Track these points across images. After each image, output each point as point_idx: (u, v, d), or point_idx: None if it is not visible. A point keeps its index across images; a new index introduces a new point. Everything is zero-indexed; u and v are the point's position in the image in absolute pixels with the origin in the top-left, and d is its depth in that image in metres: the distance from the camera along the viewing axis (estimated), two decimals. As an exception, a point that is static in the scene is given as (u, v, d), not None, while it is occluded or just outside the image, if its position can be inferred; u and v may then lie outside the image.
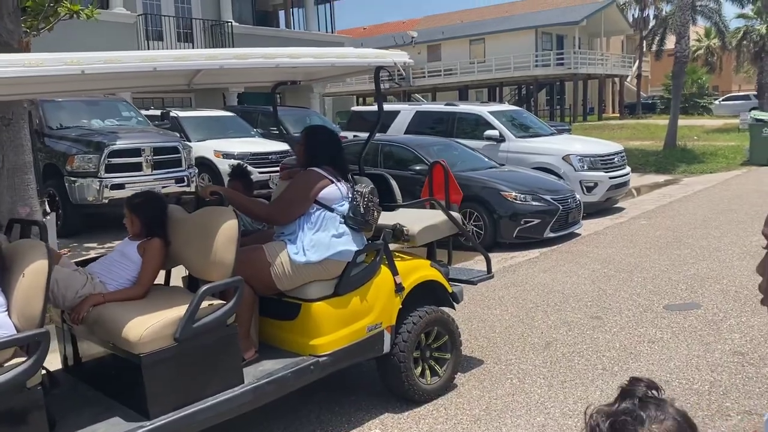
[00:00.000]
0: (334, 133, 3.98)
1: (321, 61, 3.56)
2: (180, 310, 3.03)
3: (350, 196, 3.69)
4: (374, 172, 4.38)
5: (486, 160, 9.83)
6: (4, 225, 3.29)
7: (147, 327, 2.90)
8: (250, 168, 11.43)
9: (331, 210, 3.63)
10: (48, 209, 8.16)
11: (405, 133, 12.07)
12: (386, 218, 4.11)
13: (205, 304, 3.08)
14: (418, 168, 8.87)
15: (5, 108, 5.83)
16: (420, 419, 3.78)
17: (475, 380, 4.29)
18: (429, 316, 3.97)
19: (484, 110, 11.86)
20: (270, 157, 12.19)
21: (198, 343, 3.04)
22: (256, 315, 3.64)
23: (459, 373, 4.29)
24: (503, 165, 9.92)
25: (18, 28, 5.90)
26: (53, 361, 3.50)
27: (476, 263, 7.24)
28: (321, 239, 3.56)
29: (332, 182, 3.66)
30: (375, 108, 14.42)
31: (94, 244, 8.83)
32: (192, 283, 3.65)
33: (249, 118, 14.72)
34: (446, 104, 13.00)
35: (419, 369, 3.97)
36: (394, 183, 4.34)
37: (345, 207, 3.66)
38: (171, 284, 3.84)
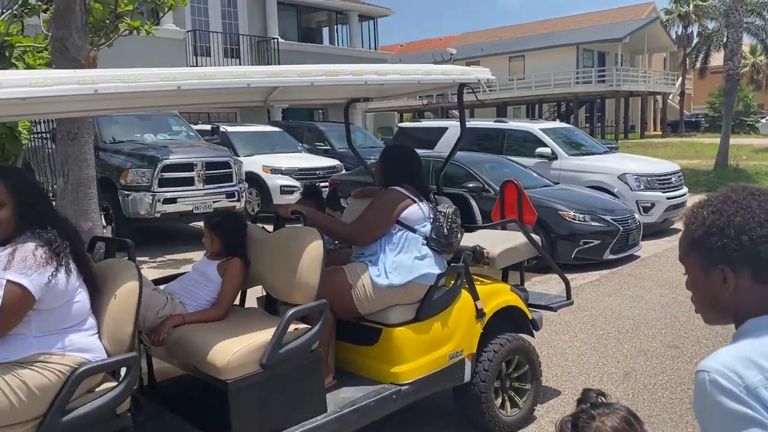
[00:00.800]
0: (413, 151, 3.86)
1: (407, 78, 3.44)
2: (264, 334, 2.91)
3: (432, 216, 3.56)
4: (454, 192, 4.23)
5: (539, 178, 9.63)
6: (87, 243, 3.23)
7: (234, 352, 2.79)
8: (298, 184, 11.55)
9: (414, 231, 3.49)
10: (103, 222, 8.23)
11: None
12: (465, 240, 3.96)
13: (290, 328, 2.96)
14: (471, 186, 8.71)
15: (71, 123, 5.89)
16: (502, 453, 3.59)
17: (555, 412, 4.08)
18: (510, 344, 3.79)
19: (535, 127, 11.67)
20: (317, 172, 12.18)
21: (284, 369, 2.92)
22: (333, 339, 3.52)
23: (538, 405, 4.09)
24: (557, 183, 9.69)
25: (85, 43, 5.97)
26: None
27: (533, 285, 7.04)
28: (403, 261, 3.43)
29: (414, 202, 3.53)
30: (421, 125, 14.42)
31: (146, 258, 8.86)
32: (269, 303, 3.54)
33: (294, 133, 14.77)
34: (495, 120, 12.85)
35: (499, 400, 3.79)
36: (474, 203, 4.19)
37: (427, 228, 3.52)
38: (246, 304, 3.74)
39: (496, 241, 4.06)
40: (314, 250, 3.10)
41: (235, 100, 3.72)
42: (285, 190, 11.62)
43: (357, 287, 3.38)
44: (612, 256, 8.12)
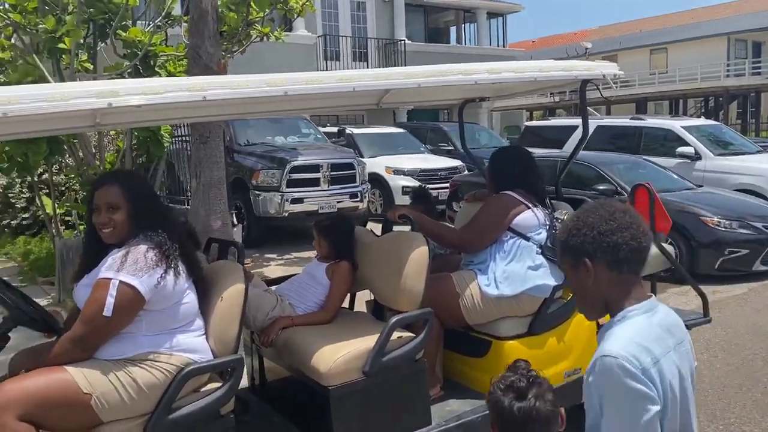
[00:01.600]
0: (526, 153, 3.65)
1: (522, 76, 3.25)
2: (368, 341, 2.86)
3: (548, 223, 3.34)
4: (574, 197, 3.96)
5: (680, 180, 8.89)
6: (203, 244, 3.36)
7: (336, 358, 2.76)
8: (420, 184, 11.52)
9: (527, 238, 3.29)
10: (235, 221, 8.66)
11: (584, 150, 11.36)
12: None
13: (394, 336, 2.88)
14: (601, 188, 8.24)
15: (203, 127, 6.21)
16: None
17: None
18: (635, 363, 3.47)
19: (676, 124, 10.82)
20: (439, 173, 12.10)
21: (386, 378, 2.85)
22: (440, 349, 3.40)
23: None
24: (700, 186, 8.90)
25: (217, 50, 6.27)
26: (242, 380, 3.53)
27: (668, 298, 6.50)
28: (515, 271, 3.24)
29: (528, 208, 3.33)
30: (550, 123, 13.88)
31: (274, 255, 9.21)
32: (377, 308, 3.49)
33: (418, 134, 14.79)
34: (631, 118, 12.07)
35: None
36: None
37: (542, 235, 3.30)
38: (355, 308, 3.72)
39: (622, 251, 3.74)
40: (420, 256, 3.01)
41: (346, 103, 3.71)
42: (406, 191, 11.61)
43: (465, 296, 3.24)
44: (763, 267, 7.31)
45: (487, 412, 3.04)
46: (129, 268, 2.31)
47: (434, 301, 3.16)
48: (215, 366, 2.53)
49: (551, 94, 32.18)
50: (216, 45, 6.21)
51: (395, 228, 3.48)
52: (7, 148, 7.44)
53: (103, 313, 2.26)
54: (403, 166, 12.11)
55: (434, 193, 11.82)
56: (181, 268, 2.47)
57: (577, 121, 12.73)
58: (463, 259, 3.51)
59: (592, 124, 12.17)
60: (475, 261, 3.39)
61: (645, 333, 1.56)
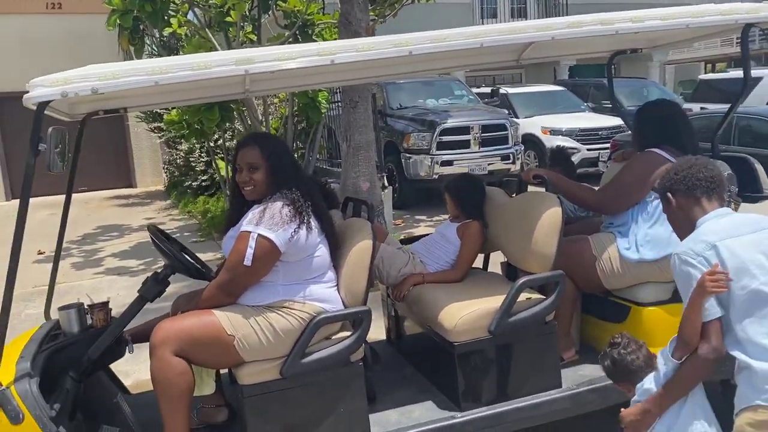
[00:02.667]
0: (677, 107, 3.36)
1: (670, 23, 2.97)
2: (496, 301, 2.86)
3: (700, 183, 3.07)
4: (733, 155, 3.59)
5: None
6: (341, 203, 3.52)
7: (462, 316, 2.80)
8: (578, 145, 11.02)
9: (674, 199, 3.06)
10: (386, 183, 8.90)
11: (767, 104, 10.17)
12: (746, 211, 3.35)
13: (522, 297, 2.85)
14: (785, 146, 7.35)
15: (352, 92, 6.42)
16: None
17: None
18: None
19: None
20: (600, 133, 11.46)
21: (513, 338, 2.84)
22: (578, 312, 3.30)
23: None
24: None
25: (366, 15, 6.40)
26: (378, 332, 3.69)
27: None
28: (659, 234, 3.03)
29: (675, 166, 3.09)
30: (728, 75, 12.53)
31: (424, 217, 9.36)
32: (510, 270, 3.46)
33: (580, 91, 14.07)
34: (829, 66, 10.52)
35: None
36: (760, 168, 3.50)
37: (691, 196, 3.05)
38: (489, 269, 3.72)
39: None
40: (552, 217, 2.92)
41: (480, 61, 3.63)
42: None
43: (602, 260, 3.10)
44: None
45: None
46: (266, 222, 2.51)
47: (570, 264, 3.08)
48: (345, 316, 2.68)
49: (737, 42, 28.87)
50: (365, 10, 6.34)
51: (530, 188, 3.41)
52: (186, 117, 8.26)
53: (244, 263, 2.48)
54: (560, 126, 11.64)
55: (594, 153, 11.30)
56: (314, 223, 2.63)
57: (761, 72, 11.41)
58: (604, 221, 3.35)
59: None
60: (615, 223, 3.22)
61: (706, 230, 2.07)
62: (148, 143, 15.08)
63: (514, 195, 3.48)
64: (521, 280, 2.83)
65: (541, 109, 12.45)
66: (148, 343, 2.52)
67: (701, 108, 10.26)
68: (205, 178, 11.58)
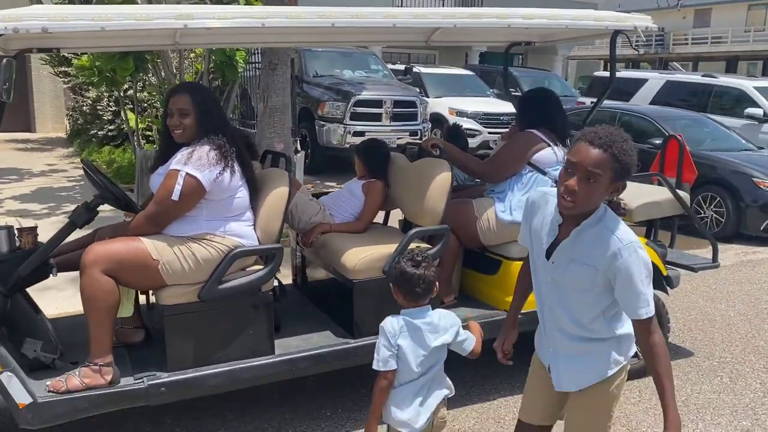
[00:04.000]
0: (554, 96, 3.93)
1: (554, 23, 3.52)
2: (391, 248, 3.32)
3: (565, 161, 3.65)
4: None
5: (742, 141, 8.81)
6: (260, 156, 3.86)
7: (361, 258, 3.25)
8: (480, 128, 11.72)
9: (544, 173, 3.63)
10: (299, 148, 9.19)
11: (651, 104, 11.26)
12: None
13: (413, 245, 3.33)
14: (657, 142, 8.26)
15: (272, 54, 6.68)
16: (610, 396, 3.70)
17: (679, 370, 4.04)
18: (635, 295, 3.82)
19: (748, 84, 10.57)
20: (501, 118, 12.21)
21: (403, 280, 3.32)
22: (459, 265, 3.83)
23: (662, 360, 4.08)
24: (762, 148, 8.80)
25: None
26: (285, 278, 4.08)
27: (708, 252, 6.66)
28: (531, 201, 3.60)
29: (549, 145, 3.65)
30: (620, 74, 13.62)
31: (334, 183, 9.74)
32: (406, 226, 3.94)
33: (488, 77, 14.81)
34: (703, 75, 11.78)
35: (617, 346, 3.86)
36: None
37: (558, 171, 3.63)
38: (389, 225, 4.18)
39: (638, 195, 4.03)
40: (442, 180, 3.41)
41: (394, 39, 4.04)
42: (468, 133, 11.83)
43: (482, 219, 3.64)
44: (810, 233, 7.33)
45: (493, 318, 3.51)
46: (194, 163, 2.83)
47: (455, 222, 3.59)
48: (259, 250, 3.06)
49: (635, 45, 30.98)
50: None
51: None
52: (98, 63, 8.15)
53: (172, 197, 2.80)
54: (466, 108, 12.29)
55: (495, 137, 12.05)
56: (237, 168, 2.97)
57: (647, 74, 12.57)
58: (487, 188, 3.89)
59: (662, 78, 12.00)
60: (496, 190, 3.76)
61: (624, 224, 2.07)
62: (51, 87, 14.49)
63: (413, 161, 3.95)
64: (413, 231, 3.32)
65: (450, 90, 13.08)
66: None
67: (591, 102, 11.19)
68: (112, 128, 11.39)
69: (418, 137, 10.48)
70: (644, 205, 3.95)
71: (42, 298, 3.36)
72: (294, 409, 3.47)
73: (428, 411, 2.46)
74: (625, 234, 1.99)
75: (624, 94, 11.89)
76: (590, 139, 1.95)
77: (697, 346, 4.42)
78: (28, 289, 3.15)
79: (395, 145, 9.98)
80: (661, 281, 4.02)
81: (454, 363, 3.95)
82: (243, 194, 3.03)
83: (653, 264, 3.84)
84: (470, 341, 2.59)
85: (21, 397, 2.62)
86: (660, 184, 4.36)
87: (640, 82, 11.76)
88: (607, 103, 10.70)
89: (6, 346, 2.70)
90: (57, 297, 4.57)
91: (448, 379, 2.59)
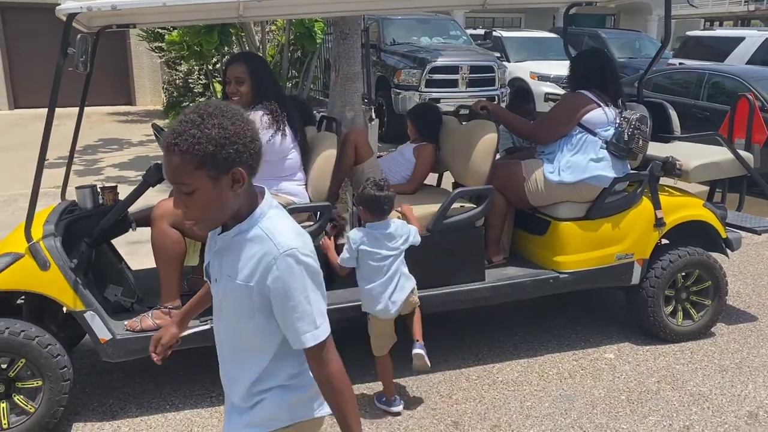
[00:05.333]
0: (605, 55, 3.89)
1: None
2: (435, 208, 3.47)
3: (617, 122, 3.65)
4: (653, 100, 4.14)
5: None
6: (317, 121, 4.08)
7: (407, 216, 3.42)
8: (563, 92, 11.43)
9: (594, 134, 3.64)
10: (374, 116, 9.38)
11: (747, 64, 10.60)
12: (661, 150, 3.94)
13: (457, 205, 3.47)
14: (747, 104, 7.85)
15: (344, 24, 6.86)
16: (659, 355, 3.72)
17: (738, 334, 3.98)
18: (690, 258, 3.78)
19: None
20: (586, 81, 11.87)
21: (447, 237, 3.47)
22: (509, 225, 3.92)
23: (722, 324, 4.03)
24: None
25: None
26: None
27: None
28: (578, 162, 3.63)
29: (599, 106, 3.65)
30: (714, 33, 12.88)
31: (408, 151, 9.91)
32: (456, 188, 4.06)
33: (575, 40, 14.34)
34: (808, 31, 10.92)
35: (670, 308, 3.85)
36: (673, 113, 4.07)
37: (609, 132, 3.63)
38: (441, 186, 4.32)
39: (697, 155, 3.94)
40: (488, 141, 3.51)
41: (449, 4, 4.12)
42: (549, 98, 11.62)
43: (530, 180, 3.71)
44: None
45: (538, 278, 3.60)
46: (248, 126, 3.08)
47: (504, 183, 3.69)
48: (310, 207, 3.30)
49: (746, 1, 28.83)
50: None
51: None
52: (186, 39, 8.67)
53: (229, 158, 3.07)
54: (548, 72, 12.02)
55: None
56: (288, 131, 3.21)
57: (745, 32, 11.78)
58: (537, 150, 3.94)
59: (762, 36, 11.22)
60: (545, 151, 3.81)
61: (294, 223, 1.57)
62: (149, 62, 15.40)
63: (464, 123, 4.05)
64: (456, 191, 3.45)
65: (533, 54, 12.81)
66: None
67: (679, 63, 10.69)
68: (202, 99, 12.03)
69: (496, 103, 10.40)
70: (702, 166, 3.86)
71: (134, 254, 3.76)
72: (344, 356, 3.72)
73: (398, 303, 3.05)
74: (285, 237, 1.47)
75: (718, 53, 11.25)
76: (165, 146, 1.44)
77: (764, 312, 4.30)
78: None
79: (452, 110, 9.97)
80: (720, 243, 3.95)
81: (505, 322, 4.08)
82: (294, 156, 3.26)
83: (711, 226, 3.83)
84: (416, 237, 3.15)
85: (102, 333, 3.00)
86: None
87: (736, 41, 11.08)
88: (695, 63, 10.21)
89: (91, 291, 3.10)
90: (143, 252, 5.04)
91: (412, 277, 3.15)
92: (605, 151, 3.62)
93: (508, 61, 12.12)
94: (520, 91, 4.76)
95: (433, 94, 10.08)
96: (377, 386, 3.31)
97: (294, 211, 3.21)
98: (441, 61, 10.12)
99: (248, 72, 3.17)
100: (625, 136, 3.56)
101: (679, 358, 3.68)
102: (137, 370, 3.56)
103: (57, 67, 2.81)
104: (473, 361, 3.67)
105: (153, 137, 11.39)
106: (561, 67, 12.30)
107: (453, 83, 10.23)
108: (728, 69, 9.03)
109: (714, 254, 3.91)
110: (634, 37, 15.00)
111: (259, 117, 3.11)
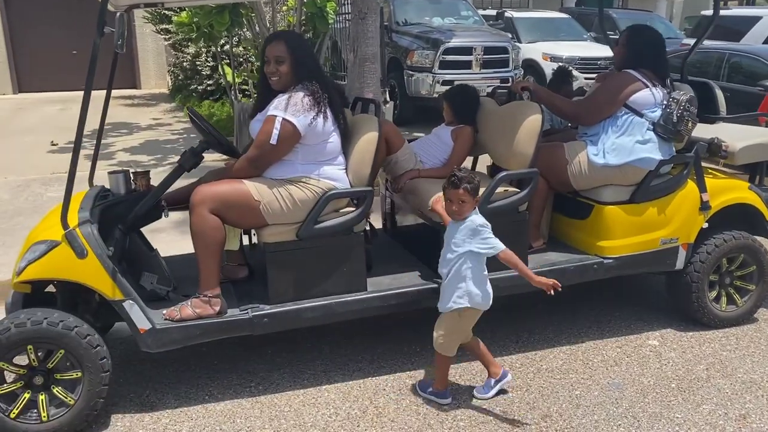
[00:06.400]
0: (658, 34, 3.76)
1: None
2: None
3: (665, 102, 3.53)
4: (698, 80, 4.02)
5: None
6: (350, 103, 3.96)
7: (449, 201, 3.31)
8: (576, 73, 11.29)
9: (641, 115, 3.53)
10: (387, 98, 9.24)
11: (765, 43, 10.44)
12: (705, 131, 3.84)
13: (501, 189, 3.36)
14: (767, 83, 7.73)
15: (362, 3, 6.71)
16: (705, 342, 3.64)
17: (783, 321, 3.90)
18: (735, 242, 3.69)
19: None
20: (599, 62, 11.71)
21: (491, 222, 3.36)
22: (549, 209, 3.83)
23: (763, 309, 3.94)
24: None
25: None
26: (376, 223, 4.22)
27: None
28: (624, 143, 3.52)
29: (647, 86, 3.54)
30: (728, 12, 12.66)
31: (422, 134, 9.68)
32: (494, 171, 3.94)
33: (585, 20, 14.18)
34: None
35: (714, 293, 3.76)
36: (719, 93, 3.96)
37: (657, 113, 3.52)
38: (477, 170, 4.21)
39: (742, 136, 3.84)
40: (532, 123, 3.39)
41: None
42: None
43: (573, 163, 3.60)
44: None
45: (581, 263, 3.50)
46: (291, 108, 2.97)
47: (545, 165, 3.58)
48: (351, 193, 3.19)
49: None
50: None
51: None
52: (195, 19, 8.49)
53: (270, 141, 2.96)
54: (560, 53, 11.85)
55: (591, 82, 11.57)
56: (329, 114, 3.09)
57: (762, 11, 11.59)
58: (580, 131, 3.82)
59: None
60: (589, 133, 3.70)
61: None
62: (154, 45, 15.20)
63: (503, 105, 3.93)
64: (501, 174, 3.34)
65: (544, 35, 12.64)
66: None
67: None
68: (210, 83, 11.85)
69: (510, 84, 10.26)
70: (748, 147, 3.76)
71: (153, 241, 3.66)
72: (385, 344, 3.64)
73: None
74: None
75: (733, 33, 11.06)
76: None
77: None
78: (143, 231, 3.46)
79: (485, 93, 9.83)
80: (764, 227, 3.86)
81: (544, 310, 3.99)
82: (335, 139, 3.15)
83: (757, 209, 3.73)
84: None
85: (141, 322, 2.91)
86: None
87: (752, 21, 10.90)
88: (713, 44, 10.04)
89: (128, 279, 3.00)
90: (166, 239, 4.95)
91: None
92: (652, 132, 3.52)
93: (520, 42, 11.93)
94: (561, 71, 4.62)
95: (447, 75, 9.93)
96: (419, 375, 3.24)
97: (335, 196, 3.12)
98: (455, 42, 9.95)
99: (288, 51, 3.05)
100: (674, 117, 3.45)
101: (725, 345, 3.60)
102: (170, 359, 3.48)
103: (93, 47, 2.69)
104: (515, 349, 3.59)
105: (161, 121, 11.28)
106: (573, 48, 12.22)
107: (467, 65, 10.07)
108: (749, 48, 8.88)
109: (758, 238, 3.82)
110: (645, 17, 14.80)
111: (300, 98, 3.00)
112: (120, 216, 3.17)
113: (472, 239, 2.94)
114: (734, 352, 3.53)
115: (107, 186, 3.39)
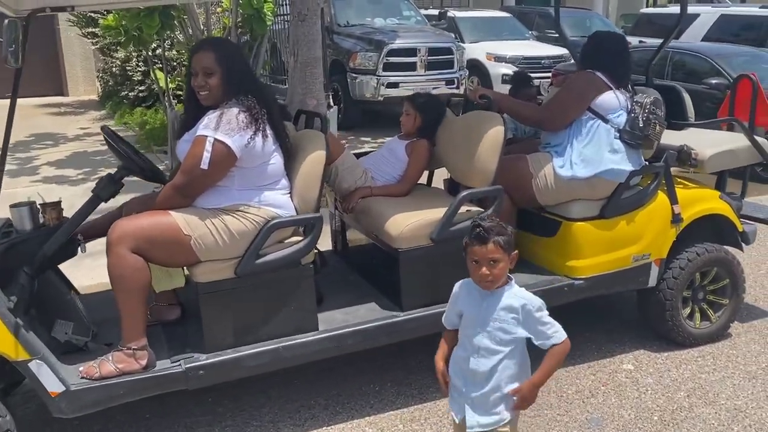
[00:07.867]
0: (621, 38, 3.53)
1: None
2: (438, 212, 3.04)
3: (629, 106, 3.29)
4: (664, 84, 3.82)
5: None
6: (293, 117, 3.57)
7: (407, 224, 2.98)
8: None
9: (606, 120, 3.28)
10: (331, 103, 8.85)
11: (703, 41, 10.55)
12: (672, 138, 3.62)
13: (462, 209, 3.05)
14: (714, 82, 7.74)
15: (301, 4, 6.30)
16: (681, 364, 3.42)
17: (755, 333, 3.73)
18: (708, 255, 3.49)
19: (812, 15, 9.75)
20: (543, 62, 11.63)
21: (453, 246, 3.03)
22: (513, 227, 3.53)
23: (736, 323, 3.76)
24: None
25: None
26: (324, 244, 3.84)
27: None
28: (592, 154, 3.26)
29: (610, 89, 3.29)
30: (667, 10, 12.83)
31: (368, 139, 9.43)
32: (452, 186, 3.64)
33: (526, 19, 14.14)
34: (761, 6, 10.95)
35: (687, 310, 3.55)
36: (687, 97, 3.76)
37: (622, 118, 3.28)
38: (433, 185, 3.89)
39: (711, 142, 3.64)
40: (494, 135, 3.09)
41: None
42: (507, 79, 11.31)
43: (538, 177, 3.32)
44: None
45: (552, 286, 3.23)
46: (223, 127, 2.57)
47: (508, 180, 3.27)
48: (297, 221, 2.81)
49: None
50: None
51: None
52: (123, 23, 7.91)
53: (201, 166, 2.55)
54: (504, 52, 11.72)
55: (536, 82, 11.49)
56: (269, 131, 2.70)
57: (700, 8, 11.75)
58: (542, 141, 3.55)
59: (716, 12, 11.21)
60: (552, 143, 3.42)
61: None
62: (81, 49, 14.32)
63: (460, 114, 3.62)
64: (463, 193, 3.02)
65: (487, 34, 12.49)
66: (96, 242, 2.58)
67: (639, 41, 10.53)
68: (142, 88, 11.19)
69: (455, 86, 10.04)
70: (718, 155, 3.56)
71: (78, 267, 3.19)
72: (340, 385, 3.28)
73: None
74: None
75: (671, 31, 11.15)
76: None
77: (772, 306, 4.08)
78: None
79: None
80: (735, 237, 3.67)
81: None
82: (277, 160, 2.77)
83: (728, 219, 3.54)
84: None
85: (53, 385, 2.46)
86: (731, 129, 3.95)
87: (690, 18, 10.99)
88: (654, 42, 10.06)
89: (36, 330, 2.55)
90: (92, 266, 4.44)
91: None
92: (619, 141, 3.26)
93: (463, 42, 11.75)
94: (520, 75, 4.34)
95: (392, 78, 9.62)
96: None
97: (279, 226, 2.73)
98: (399, 44, 9.66)
99: (218, 61, 2.64)
100: (640, 121, 3.21)
101: (702, 366, 3.39)
102: (94, 414, 3.02)
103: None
104: (483, 382, 3.28)
105: (90, 131, 10.55)
106: (516, 47, 12.10)
107: (411, 66, 9.79)
108: (692, 46, 8.90)
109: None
110: (585, 15, 14.88)
111: (234, 116, 2.60)
112: (25, 256, 2.69)
113: (527, 324, 2.15)
114: (713, 374, 3.31)
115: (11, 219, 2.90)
